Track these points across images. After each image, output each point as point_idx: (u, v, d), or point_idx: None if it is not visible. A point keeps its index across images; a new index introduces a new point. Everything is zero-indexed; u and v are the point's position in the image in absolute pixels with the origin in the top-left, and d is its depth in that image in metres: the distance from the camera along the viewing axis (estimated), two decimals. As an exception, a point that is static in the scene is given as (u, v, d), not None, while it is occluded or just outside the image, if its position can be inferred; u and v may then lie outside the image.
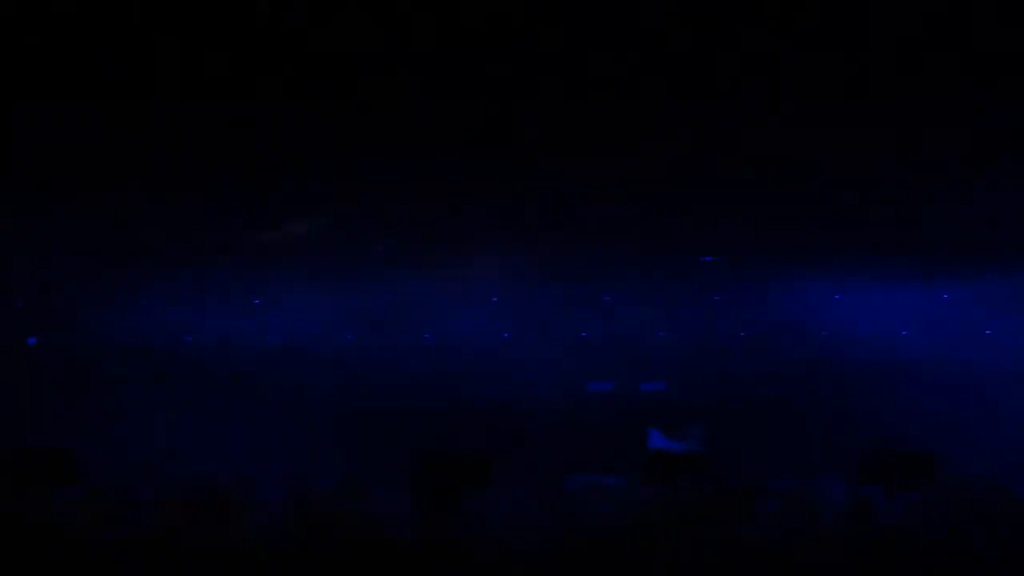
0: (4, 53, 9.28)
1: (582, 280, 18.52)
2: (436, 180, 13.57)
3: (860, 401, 17.11)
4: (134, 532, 12.53)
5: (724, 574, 12.17)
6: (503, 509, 12.82)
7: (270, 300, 19.22)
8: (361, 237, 16.14)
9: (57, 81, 9.96)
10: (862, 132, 12.69)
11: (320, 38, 9.18)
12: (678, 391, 17.66)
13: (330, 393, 17.28)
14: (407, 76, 10.11)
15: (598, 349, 18.68)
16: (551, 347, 18.44)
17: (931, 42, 9.81)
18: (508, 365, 18.13)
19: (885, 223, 16.13)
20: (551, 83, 10.45)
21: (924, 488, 12.82)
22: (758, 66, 10.15)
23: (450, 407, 16.76)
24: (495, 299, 19.02)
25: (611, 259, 17.70)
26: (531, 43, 9.39)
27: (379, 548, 12.35)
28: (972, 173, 14.84)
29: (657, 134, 12.31)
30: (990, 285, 18.82)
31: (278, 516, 12.75)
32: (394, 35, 9.07)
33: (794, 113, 11.72)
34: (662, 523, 12.59)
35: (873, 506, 12.62)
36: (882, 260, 17.78)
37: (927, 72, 10.52)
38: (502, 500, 12.95)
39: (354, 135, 11.89)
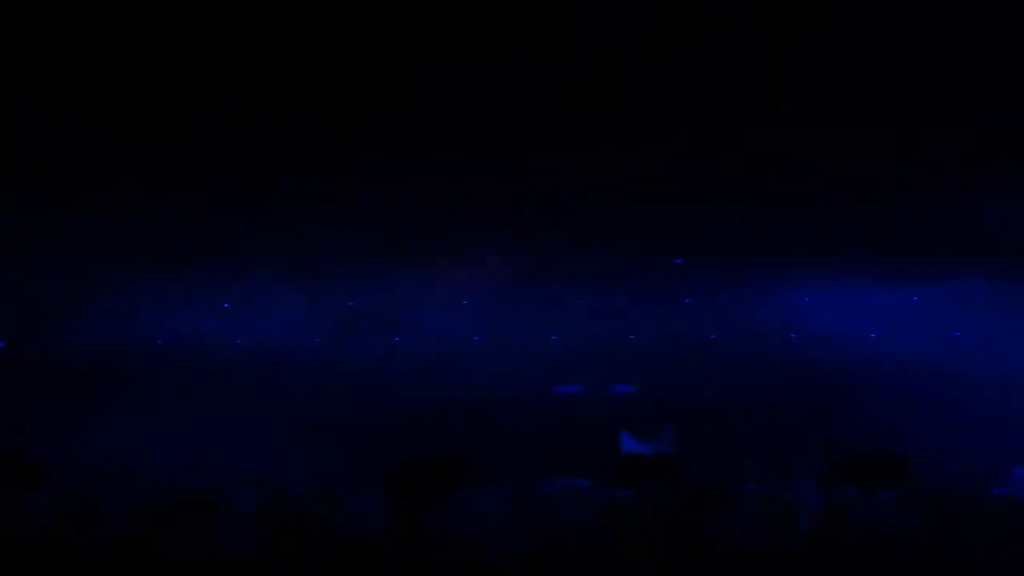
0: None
1: (554, 283, 18.52)
2: (410, 184, 13.53)
3: (833, 403, 17.16)
4: (105, 538, 12.44)
5: (698, 576, 12.16)
6: (476, 512, 12.78)
7: (241, 303, 19.14)
8: (335, 240, 16.09)
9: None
10: (833, 134, 12.71)
11: (318, 37, 9.12)
12: (649, 394, 17.65)
13: (303, 396, 17.19)
14: (385, 74, 10.06)
15: (569, 352, 18.66)
16: (522, 350, 18.40)
17: (902, 41, 9.82)
18: (479, 368, 18.09)
19: (855, 226, 16.17)
20: (541, 85, 10.43)
21: (899, 489, 12.85)
22: (755, 66, 10.15)
23: (422, 410, 16.69)
24: (465, 302, 18.99)
25: (582, 262, 17.70)
26: (507, 36, 9.35)
27: (353, 552, 12.30)
28: (943, 175, 14.91)
29: (630, 138, 12.31)
30: (960, 286, 18.93)
31: (252, 520, 12.67)
32: (388, 32, 9.03)
33: (764, 115, 11.73)
34: (635, 526, 12.59)
35: (848, 507, 12.64)
36: (852, 262, 17.83)
37: (912, 72, 10.55)
38: (475, 503, 12.91)
39: (329, 137, 11.84)
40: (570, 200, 14.54)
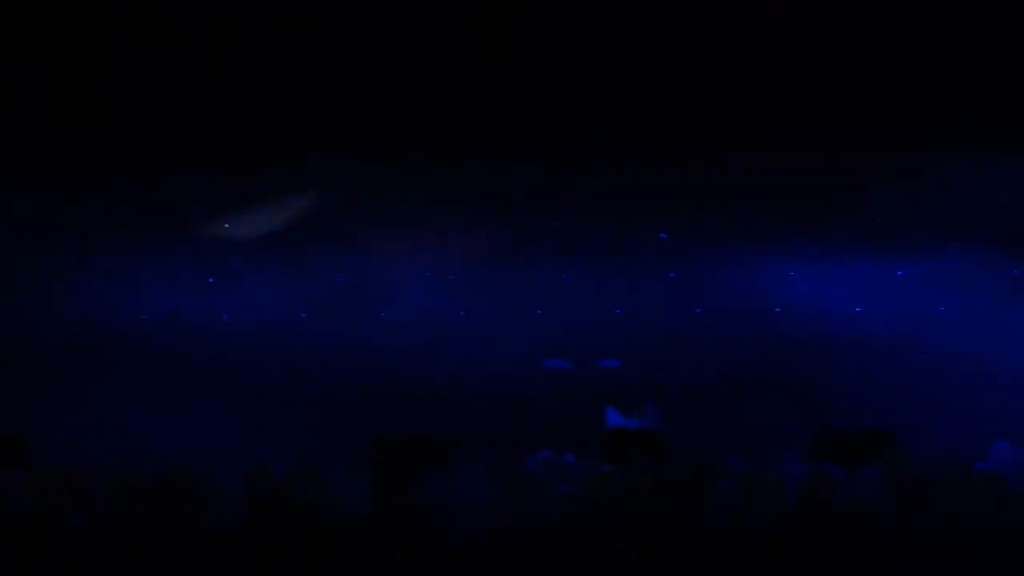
0: None
1: (540, 258, 18.50)
2: (394, 159, 13.50)
3: (817, 378, 17.15)
4: (86, 515, 12.41)
5: (683, 552, 12.20)
6: (462, 488, 12.79)
7: (225, 279, 19.09)
8: (319, 215, 16.05)
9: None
10: (815, 108, 12.72)
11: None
12: (635, 368, 17.64)
13: (287, 373, 17.13)
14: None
15: (556, 327, 18.64)
16: (509, 325, 18.38)
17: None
18: (465, 343, 18.05)
19: (839, 199, 16.18)
20: (513, 60, 10.42)
21: (883, 464, 12.88)
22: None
23: (408, 386, 16.66)
24: (451, 278, 18.98)
25: (568, 237, 17.68)
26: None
27: (338, 529, 12.30)
28: (926, 149, 14.93)
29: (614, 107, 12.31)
30: (945, 261, 18.94)
31: (235, 496, 12.66)
32: None
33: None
34: (619, 501, 12.61)
35: (832, 483, 12.67)
36: (836, 236, 17.84)
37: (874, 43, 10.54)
38: (461, 479, 12.91)
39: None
40: (529, 178, 14.51)
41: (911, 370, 18.36)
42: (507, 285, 19.41)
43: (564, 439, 14.46)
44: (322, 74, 10.65)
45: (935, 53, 11.20)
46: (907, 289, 18.95)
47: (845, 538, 12.13)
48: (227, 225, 16.05)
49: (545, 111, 12.17)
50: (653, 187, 15.47)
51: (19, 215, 16.01)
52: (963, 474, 12.84)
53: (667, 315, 19.26)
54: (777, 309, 19.17)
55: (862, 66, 11.36)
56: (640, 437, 14.45)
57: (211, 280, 19.43)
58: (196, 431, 15.62)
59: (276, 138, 12.69)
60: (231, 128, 12.12)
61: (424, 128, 12.28)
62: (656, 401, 16.58)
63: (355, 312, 18.84)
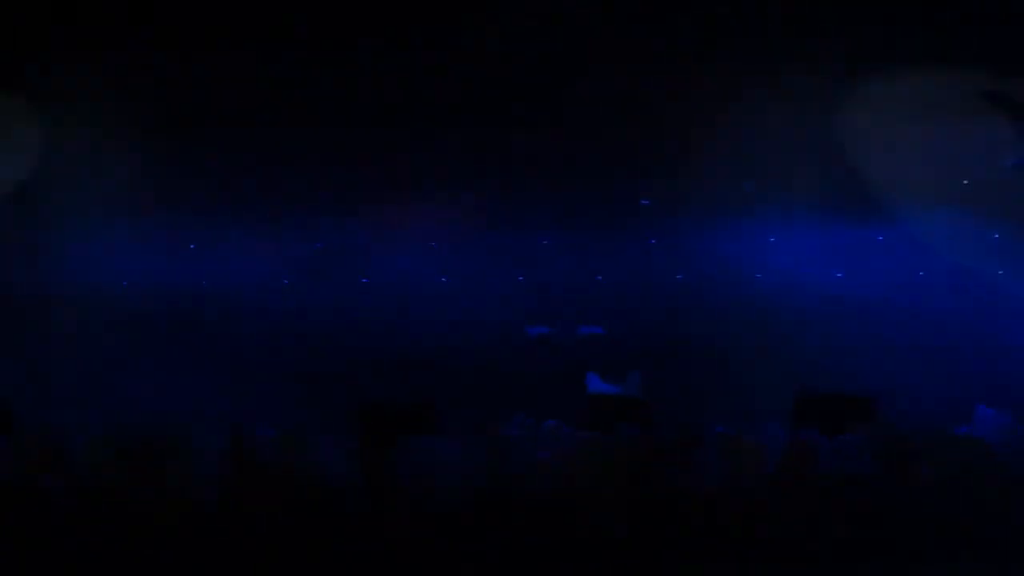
0: None
1: (521, 225, 18.48)
2: (375, 125, 13.46)
3: (798, 344, 17.17)
4: (69, 480, 12.40)
5: (664, 519, 12.24)
6: (444, 452, 12.80)
7: (207, 244, 19.05)
8: (302, 183, 16.02)
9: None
10: (797, 72, 12.74)
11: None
12: (617, 335, 17.64)
13: (269, 339, 17.09)
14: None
15: (537, 293, 18.63)
16: (490, 292, 18.36)
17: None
18: (447, 310, 18.03)
19: (818, 165, 16.21)
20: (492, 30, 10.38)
21: (864, 430, 12.91)
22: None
23: (389, 353, 16.64)
24: (434, 244, 18.98)
25: (549, 203, 17.67)
26: None
27: (320, 495, 12.30)
28: (902, 114, 14.97)
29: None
30: (924, 226, 18.98)
31: (218, 462, 12.66)
32: None
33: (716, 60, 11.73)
34: (601, 467, 12.64)
35: (813, 449, 12.71)
36: (816, 202, 17.87)
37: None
38: (442, 445, 12.92)
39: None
40: (509, 144, 14.49)
41: (893, 335, 18.40)
42: (489, 251, 19.40)
43: (546, 405, 14.47)
44: (305, 42, 10.61)
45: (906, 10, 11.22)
46: (888, 254, 19.00)
47: (827, 502, 12.19)
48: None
49: (524, 77, 12.15)
50: (634, 153, 15.47)
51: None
52: (944, 439, 12.89)
53: (649, 282, 19.26)
54: (758, 275, 19.19)
55: (841, 30, 11.37)
56: (622, 403, 14.44)
57: (192, 247, 19.40)
58: (178, 398, 15.57)
59: (256, 105, 12.66)
60: (211, 92, 12.07)
61: (407, 96, 12.25)
62: (637, 368, 16.61)
63: (336, 279, 18.82)
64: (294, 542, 11.97)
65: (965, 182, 17.15)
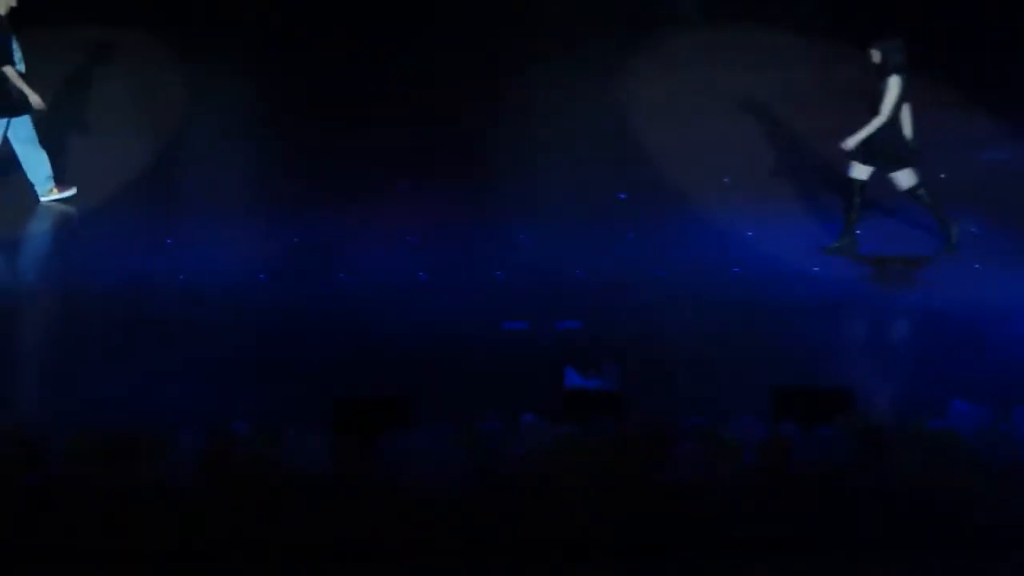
0: None
1: (499, 219, 18.48)
2: (353, 115, 13.45)
3: (774, 338, 17.19)
4: (44, 478, 12.39)
5: (641, 513, 12.29)
6: (421, 447, 12.80)
7: (183, 240, 18.97)
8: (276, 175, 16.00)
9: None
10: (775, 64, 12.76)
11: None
12: (595, 329, 17.64)
13: (245, 334, 17.05)
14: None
15: (514, 288, 18.62)
16: (467, 287, 18.37)
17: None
18: (424, 305, 18.03)
19: (796, 158, 16.28)
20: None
21: (840, 423, 12.94)
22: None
23: (367, 347, 16.62)
24: (413, 240, 18.98)
25: (527, 198, 17.69)
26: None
27: (296, 490, 12.33)
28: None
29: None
30: (898, 220, 19.06)
31: (195, 458, 12.63)
32: None
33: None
34: (578, 461, 12.68)
35: (789, 442, 12.74)
36: (793, 196, 17.96)
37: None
38: (419, 440, 12.91)
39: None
40: (487, 138, 14.50)
41: (869, 328, 18.44)
42: (466, 246, 19.39)
43: (523, 400, 14.46)
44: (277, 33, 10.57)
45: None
46: (862, 247, 19.02)
47: (804, 495, 12.21)
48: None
49: (502, 71, 12.14)
50: (611, 146, 15.49)
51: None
52: (916, 432, 12.91)
53: (626, 277, 19.26)
54: (736, 270, 19.24)
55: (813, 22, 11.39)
56: (599, 397, 14.46)
57: (168, 241, 19.34)
58: (154, 393, 15.52)
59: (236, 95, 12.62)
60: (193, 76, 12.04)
61: (382, 85, 12.23)
62: (615, 362, 16.58)
63: (313, 273, 18.78)
64: (271, 536, 11.98)
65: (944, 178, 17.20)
